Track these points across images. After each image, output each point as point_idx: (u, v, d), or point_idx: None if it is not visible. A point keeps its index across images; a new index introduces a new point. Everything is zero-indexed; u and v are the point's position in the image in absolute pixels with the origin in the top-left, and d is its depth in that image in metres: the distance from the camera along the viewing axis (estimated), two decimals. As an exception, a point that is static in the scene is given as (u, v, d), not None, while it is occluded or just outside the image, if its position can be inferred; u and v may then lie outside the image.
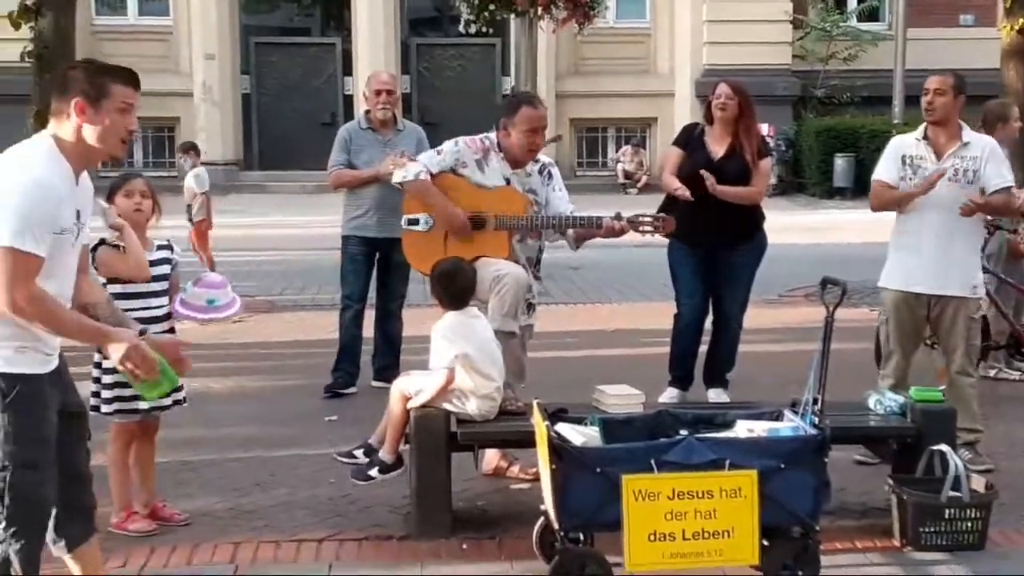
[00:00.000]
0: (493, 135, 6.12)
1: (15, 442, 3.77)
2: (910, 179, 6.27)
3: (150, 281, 5.29)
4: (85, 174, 3.94)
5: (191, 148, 12.86)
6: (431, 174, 6.03)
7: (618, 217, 6.01)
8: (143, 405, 5.21)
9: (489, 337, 5.49)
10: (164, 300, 5.37)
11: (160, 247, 5.42)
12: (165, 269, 5.38)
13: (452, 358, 5.29)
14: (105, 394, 5.24)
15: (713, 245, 7.12)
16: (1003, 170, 6.29)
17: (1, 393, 3.75)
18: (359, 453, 5.61)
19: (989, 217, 6.85)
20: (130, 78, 3.89)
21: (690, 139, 7.35)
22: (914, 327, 6.42)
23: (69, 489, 3.98)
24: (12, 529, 3.82)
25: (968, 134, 6.34)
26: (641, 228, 6.09)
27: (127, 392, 5.18)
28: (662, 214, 6.16)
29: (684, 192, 6.94)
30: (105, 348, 3.90)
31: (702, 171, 6.97)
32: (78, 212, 3.86)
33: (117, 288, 5.17)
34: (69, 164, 3.80)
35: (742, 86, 7.27)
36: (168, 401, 5.29)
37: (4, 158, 3.79)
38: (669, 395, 7.19)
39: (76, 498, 4.04)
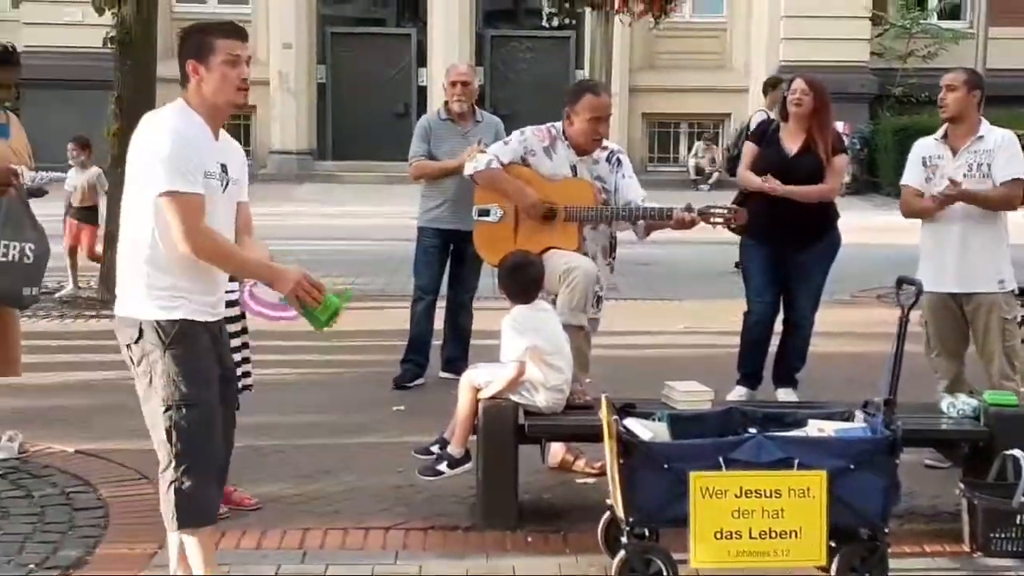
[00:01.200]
0: (560, 124, 6.14)
1: (177, 383, 3.99)
2: (930, 180, 6.27)
3: None
4: (229, 137, 4.26)
5: (87, 144, 11.49)
6: (501, 163, 6.07)
7: (688, 209, 5.98)
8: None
9: (558, 330, 5.50)
10: (234, 285, 5.39)
11: None
12: None
13: (523, 350, 5.30)
14: None
15: (785, 243, 7.04)
16: (1013, 162, 6.21)
17: (161, 338, 3.99)
18: (435, 449, 5.61)
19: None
20: (233, 30, 4.13)
21: (764, 135, 7.30)
22: (954, 327, 6.35)
23: None
24: (183, 467, 4.01)
25: (985, 128, 6.29)
26: (712, 220, 6.08)
27: None
28: (734, 206, 6.12)
29: (771, 183, 6.87)
30: (274, 283, 4.14)
31: (766, 177, 6.92)
32: (223, 165, 4.11)
33: None
34: (202, 119, 4.07)
35: (818, 81, 7.20)
36: (237, 387, 5.34)
37: (142, 125, 4.09)
38: (738, 393, 7.15)
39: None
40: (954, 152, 6.26)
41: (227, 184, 4.13)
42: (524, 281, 5.50)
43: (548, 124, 6.22)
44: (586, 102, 6.03)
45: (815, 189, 7.03)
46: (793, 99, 7.07)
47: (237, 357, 5.35)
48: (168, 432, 4.03)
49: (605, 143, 6.25)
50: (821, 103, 7.06)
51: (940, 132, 6.38)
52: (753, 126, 9.66)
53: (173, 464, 4.04)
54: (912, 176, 6.39)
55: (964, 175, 6.18)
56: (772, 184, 6.91)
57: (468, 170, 6.25)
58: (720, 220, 6.08)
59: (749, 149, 7.33)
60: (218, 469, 4.23)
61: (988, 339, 6.26)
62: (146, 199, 3.97)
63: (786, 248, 7.08)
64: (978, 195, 6.18)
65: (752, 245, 7.16)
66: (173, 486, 4.05)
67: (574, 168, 6.09)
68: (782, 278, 7.19)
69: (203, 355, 4.08)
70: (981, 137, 6.26)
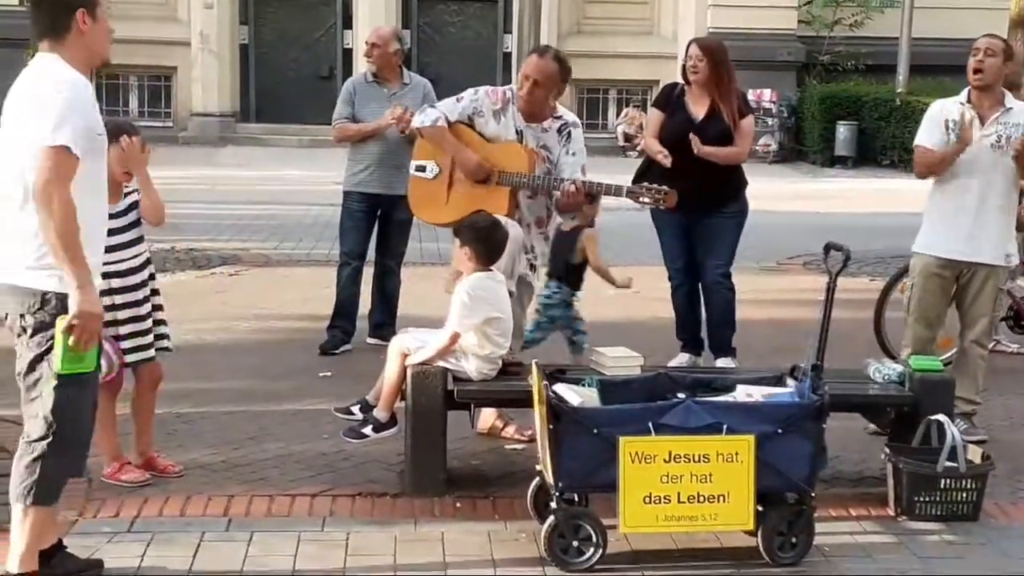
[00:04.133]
0: (514, 86, 6.10)
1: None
2: (952, 144, 6.14)
3: (123, 231, 5.19)
4: None
5: None
6: (448, 121, 6.00)
7: (611, 189, 5.93)
8: (149, 353, 5.28)
9: (508, 302, 5.46)
10: (141, 248, 5.27)
11: (126, 194, 5.26)
12: (136, 215, 5.24)
13: (471, 324, 5.24)
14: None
15: (695, 209, 6.95)
16: None
17: (59, 309, 3.95)
18: (356, 409, 5.58)
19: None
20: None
21: (670, 100, 7.26)
22: (940, 297, 6.33)
23: None
24: (59, 443, 3.99)
25: (1011, 100, 6.25)
26: (641, 199, 6.04)
27: (129, 344, 5.18)
28: (665, 188, 6.04)
29: (664, 158, 6.84)
30: (74, 291, 3.93)
31: (690, 135, 6.88)
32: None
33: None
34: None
35: (714, 45, 7.17)
36: (151, 353, 5.28)
37: (26, 78, 4.02)
38: (680, 360, 7.16)
39: None
40: (982, 121, 6.17)
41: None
42: (492, 243, 5.42)
43: (506, 86, 6.20)
44: (525, 63, 6.07)
45: (727, 151, 7.01)
46: (689, 66, 7.04)
47: (148, 324, 5.25)
48: (55, 407, 3.98)
49: (561, 112, 6.19)
50: (718, 67, 7.03)
51: (963, 96, 6.26)
52: None
53: (49, 440, 4.00)
54: (931, 138, 6.23)
55: (991, 145, 6.11)
56: (696, 142, 6.85)
57: (416, 122, 6.24)
58: (649, 201, 6.04)
59: (655, 115, 7.30)
60: (84, 448, 4.22)
61: (979, 303, 6.25)
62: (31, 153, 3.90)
63: (696, 214, 7.03)
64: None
65: (662, 213, 7.15)
66: (41, 461, 4.01)
67: (520, 133, 6.03)
68: (694, 244, 7.19)
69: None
70: (1010, 109, 6.19)
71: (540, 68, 5.99)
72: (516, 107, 6.04)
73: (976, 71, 6.16)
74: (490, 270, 5.40)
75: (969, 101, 6.22)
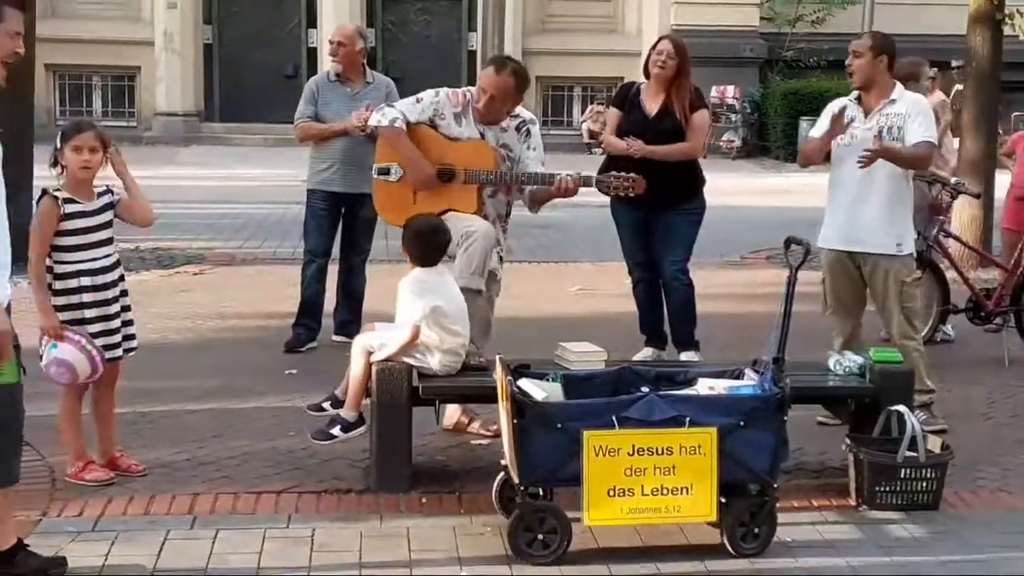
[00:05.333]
0: (475, 90, 6.10)
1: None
2: (840, 138, 6.28)
3: (96, 230, 5.18)
4: None
5: None
6: (407, 122, 6.00)
7: (583, 179, 5.96)
8: (116, 352, 5.24)
9: (457, 293, 5.47)
10: (111, 249, 5.25)
11: (100, 194, 5.25)
12: (109, 216, 5.25)
13: (420, 314, 5.26)
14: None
15: (652, 205, 6.98)
16: (925, 125, 6.27)
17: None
18: (327, 406, 5.55)
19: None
20: (22, 5, 4.11)
21: (627, 98, 7.31)
22: (849, 286, 6.43)
23: None
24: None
25: (899, 92, 6.37)
26: (609, 188, 6.07)
27: (97, 343, 5.15)
28: (632, 174, 6.09)
29: (634, 145, 6.89)
30: None
31: (628, 138, 6.95)
32: None
33: (63, 241, 5.09)
34: None
35: (683, 45, 7.23)
36: (119, 352, 5.26)
37: None
38: (644, 354, 7.20)
39: None
40: (867, 114, 6.30)
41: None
42: (431, 246, 5.43)
43: (465, 88, 6.19)
44: (484, 73, 6.06)
45: (677, 147, 7.06)
46: (658, 61, 7.08)
47: (117, 323, 5.24)
48: None
49: (518, 111, 6.21)
50: (684, 66, 7.10)
51: (854, 93, 6.39)
52: None
53: None
54: (818, 131, 6.40)
55: (875, 136, 6.18)
56: (634, 145, 6.92)
57: (372, 121, 6.20)
58: (619, 190, 6.07)
59: (613, 114, 7.35)
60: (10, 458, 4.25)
61: (887, 301, 6.33)
62: None
63: (654, 210, 7.07)
64: (892, 150, 6.17)
65: (620, 209, 7.18)
66: None
67: (482, 135, 6.05)
68: (652, 240, 7.23)
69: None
70: (893, 100, 6.30)
71: (497, 84, 6.01)
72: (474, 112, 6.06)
73: (848, 74, 6.36)
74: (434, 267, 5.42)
75: (859, 98, 6.37)
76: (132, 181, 5.28)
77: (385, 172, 6.09)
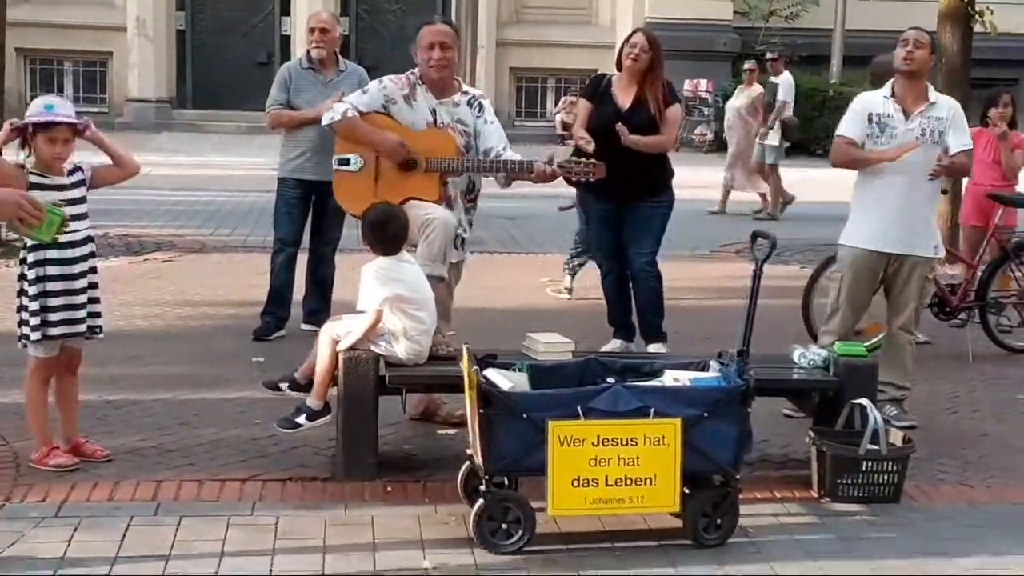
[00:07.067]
0: (417, 70, 6.10)
1: None
2: (876, 137, 6.25)
3: (65, 206, 5.17)
4: None
5: None
6: (359, 112, 6.00)
7: (549, 162, 6.00)
8: (78, 328, 5.22)
9: (421, 281, 5.48)
10: (81, 225, 5.23)
11: (71, 172, 5.24)
12: (81, 192, 5.24)
13: (382, 299, 5.27)
14: (33, 321, 5.14)
15: (623, 197, 7.05)
16: (964, 132, 6.34)
17: None
18: (284, 386, 5.58)
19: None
20: None
21: (597, 90, 7.33)
22: (870, 285, 6.42)
23: None
24: None
25: (935, 94, 6.37)
26: (572, 174, 6.09)
27: (57, 316, 5.15)
28: (593, 160, 6.12)
29: (587, 143, 6.89)
30: None
31: (617, 124, 6.95)
32: None
33: None
34: None
35: (657, 39, 7.25)
36: (82, 328, 5.24)
37: None
38: (613, 346, 7.23)
39: None
40: (906, 114, 6.25)
41: None
42: (388, 234, 5.44)
43: (407, 72, 6.17)
44: (422, 33, 6.06)
45: (652, 140, 7.08)
46: (632, 54, 7.10)
47: (83, 299, 5.23)
48: None
49: (466, 88, 6.23)
50: (658, 59, 7.13)
51: (887, 90, 6.34)
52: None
53: None
54: (853, 129, 6.30)
55: (916, 138, 6.20)
56: (623, 132, 6.92)
57: (325, 120, 6.17)
58: (580, 175, 6.09)
59: (584, 106, 7.37)
60: None
61: (907, 291, 6.35)
62: None
63: (623, 203, 7.11)
64: (953, 167, 6.28)
65: (590, 201, 7.21)
66: None
67: (434, 112, 6.05)
68: (621, 232, 7.25)
69: None
70: (934, 103, 6.30)
71: (440, 31, 6.06)
72: (425, 88, 6.05)
73: (906, 60, 6.24)
74: (396, 254, 5.43)
75: (893, 95, 6.32)
76: (108, 143, 5.34)
77: (345, 163, 6.09)
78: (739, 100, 15.49)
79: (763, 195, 14.92)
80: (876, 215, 6.32)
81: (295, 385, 5.54)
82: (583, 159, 6.16)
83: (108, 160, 5.42)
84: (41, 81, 23.30)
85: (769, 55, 15.57)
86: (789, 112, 14.98)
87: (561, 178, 6.21)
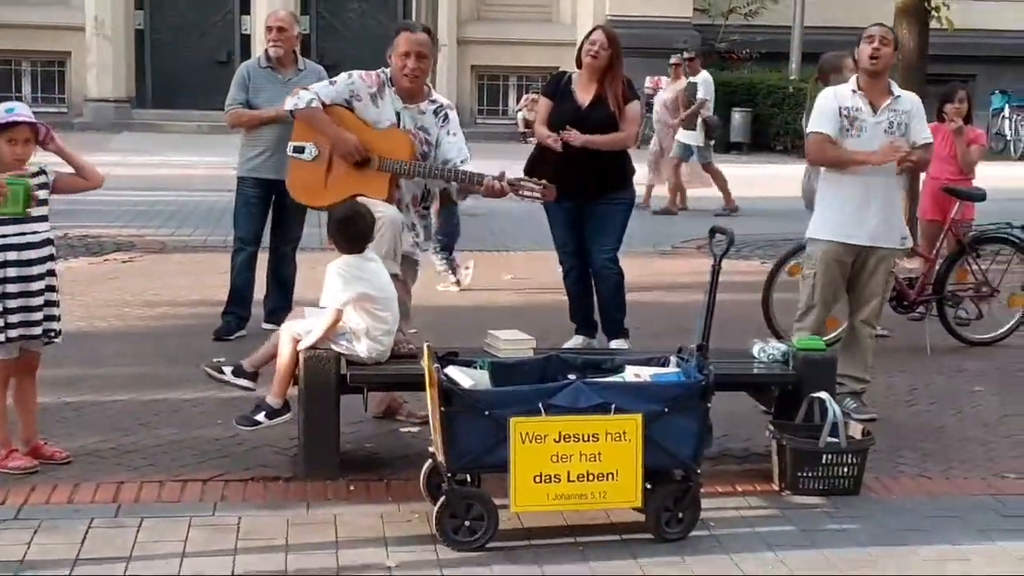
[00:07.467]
0: (389, 70, 6.09)
1: None
2: (847, 131, 6.30)
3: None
4: None
5: None
6: (323, 103, 5.99)
7: (500, 178, 5.96)
8: (35, 331, 5.19)
9: (386, 280, 5.47)
10: (42, 227, 5.20)
11: (34, 174, 5.20)
12: (44, 194, 5.21)
13: (346, 298, 5.26)
14: None
15: (583, 195, 7.06)
16: (924, 125, 6.44)
17: None
18: (227, 371, 5.57)
19: None
20: None
21: (558, 89, 7.35)
22: (842, 279, 6.46)
23: None
24: None
25: (896, 88, 6.45)
26: (521, 193, 6.08)
27: (14, 318, 5.12)
28: (544, 181, 6.07)
29: (555, 142, 6.93)
30: None
31: (565, 128, 6.98)
32: None
33: None
34: None
35: (616, 36, 7.28)
36: (38, 331, 5.20)
37: None
38: (575, 342, 7.25)
39: None
40: (874, 108, 6.31)
41: None
42: (354, 233, 5.42)
43: (379, 69, 6.16)
44: (399, 39, 6.03)
45: (611, 137, 7.10)
46: (591, 51, 7.12)
47: (40, 301, 5.19)
48: None
49: (435, 96, 6.21)
50: (617, 56, 7.16)
51: (853, 84, 6.40)
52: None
53: None
54: (827, 124, 6.33)
55: (884, 132, 6.28)
56: (571, 135, 6.96)
57: (288, 105, 6.17)
58: (529, 195, 6.09)
59: (544, 104, 7.40)
60: None
61: (872, 284, 6.40)
62: None
63: (585, 199, 7.13)
64: (919, 161, 6.38)
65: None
66: None
67: (399, 115, 6.04)
68: (582, 230, 7.27)
69: None
70: (898, 97, 6.37)
71: (419, 41, 6.03)
72: (393, 90, 6.05)
73: (873, 57, 6.30)
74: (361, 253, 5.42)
75: (860, 88, 6.38)
76: (71, 154, 5.31)
77: (300, 151, 6.09)
78: (667, 93, 15.70)
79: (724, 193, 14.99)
80: (845, 208, 6.37)
81: (240, 371, 5.53)
82: (534, 179, 6.13)
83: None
84: (-1, 81, 23.12)
85: (686, 54, 15.63)
86: (710, 110, 15.10)
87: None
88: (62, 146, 5.27)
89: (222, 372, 5.59)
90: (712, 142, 15.38)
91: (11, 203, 4.23)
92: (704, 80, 15.17)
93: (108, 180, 5.67)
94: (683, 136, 14.79)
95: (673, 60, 15.74)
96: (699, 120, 14.74)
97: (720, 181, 14.91)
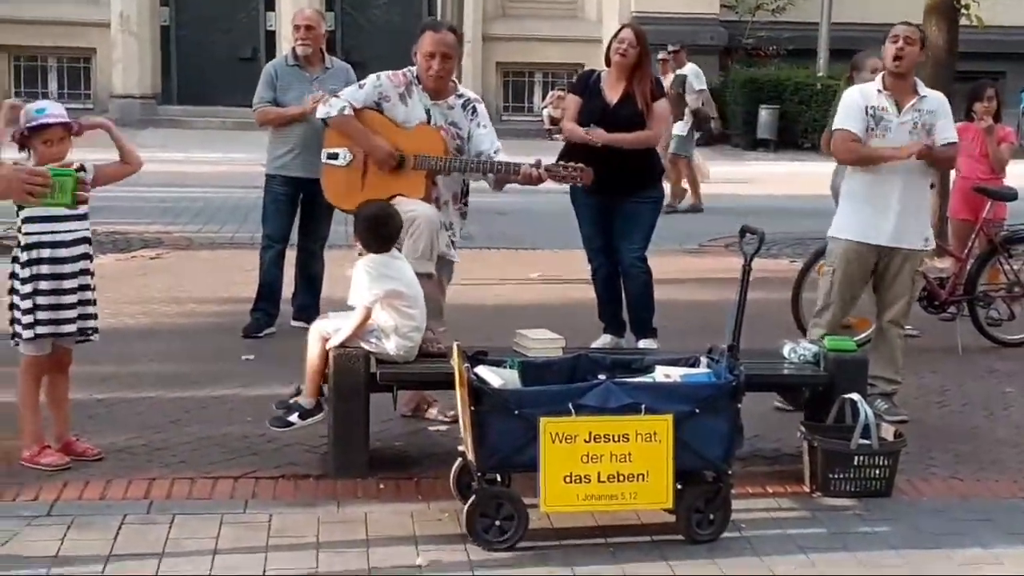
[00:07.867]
0: (415, 68, 6.09)
1: None
2: (872, 130, 6.28)
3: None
4: None
5: None
6: (354, 108, 6.00)
7: (537, 165, 5.98)
8: (66, 328, 5.21)
9: (413, 278, 5.47)
10: (77, 225, 5.23)
11: (76, 170, 5.25)
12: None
13: (373, 297, 5.26)
14: (25, 319, 5.14)
15: (612, 192, 7.04)
16: (951, 125, 6.40)
17: None
18: (293, 418, 5.42)
19: None
20: None
21: (587, 86, 7.34)
22: (862, 278, 6.44)
23: None
24: None
25: (922, 87, 6.41)
26: (559, 178, 6.08)
27: (44, 315, 5.14)
28: (580, 164, 6.10)
29: (594, 133, 6.92)
30: None
31: (588, 128, 6.98)
32: None
33: (29, 212, 5.09)
34: None
35: (644, 34, 7.27)
36: (70, 329, 5.23)
37: None
38: (603, 341, 7.24)
39: None
40: (899, 107, 6.29)
41: None
42: (382, 233, 5.42)
43: (405, 68, 6.17)
44: (424, 38, 6.03)
45: (637, 136, 7.10)
46: (620, 49, 7.12)
47: (73, 299, 5.21)
48: None
49: (461, 90, 6.22)
50: (645, 54, 7.16)
51: (879, 83, 6.37)
52: None
53: None
54: (853, 122, 6.30)
55: (909, 132, 6.25)
56: (595, 133, 6.96)
57: (320, 113, 6.18)
58: (567, 179, 6.09)
59: (572, 101, 7.38)
60: None
61: (897, 284, 6.38)
62: None
63: (614, 197, 7.11)
64: (940, 155, 6.34)
65: (580, 196, 7.20)
66: None
67: (428, 112, 6.04)
68: (611, 227, 7.26)
69: None
70: (924, 97, 6.34)
71: (443, 41, 6.03)
72: (421, 88, 6.05)
73: (896, 57, 6.27)
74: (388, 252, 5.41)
75: (886, 88, 6.34)
76: (119, 135, 5.43)
77: (334, 157, 6.11)
78: None
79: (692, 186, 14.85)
80: (867, 208, 6.34)
81: (305, 413, 5.42)
82: (571, 163, 6.14)
83: (106, 159, 5.41)
84: (26, 78, 23.24)
85: (671, 48, 15.49)
86: (707, 99, 14.94)
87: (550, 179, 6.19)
88: (107, 123, 5.38)
89: (291, 424, 5.42)
90: (698, 135, 15.12)
91: (60, 194, 4.25)
92: (692, 71, 15.04)
93: (136, 176, 5.71)
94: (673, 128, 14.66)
95: (660, 56, 15.63)
96: (687, 110, 14.59)
97: (689, 176, 14.64)
